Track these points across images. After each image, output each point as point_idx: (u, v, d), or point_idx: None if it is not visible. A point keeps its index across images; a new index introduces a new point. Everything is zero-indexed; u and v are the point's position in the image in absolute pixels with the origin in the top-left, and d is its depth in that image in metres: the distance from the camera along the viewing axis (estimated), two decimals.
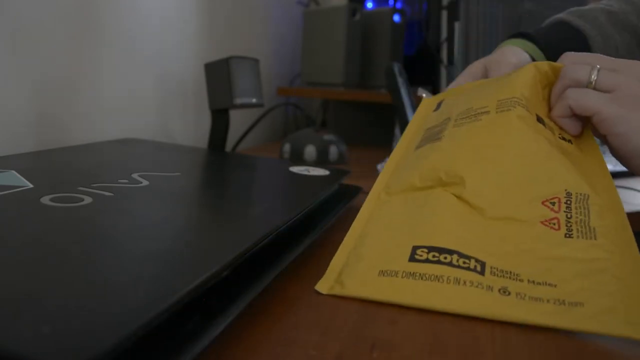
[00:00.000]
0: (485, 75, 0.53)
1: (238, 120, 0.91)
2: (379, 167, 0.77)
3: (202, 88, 0.88)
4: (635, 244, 0.31)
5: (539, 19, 0.64)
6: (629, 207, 0.34)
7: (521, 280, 0.30)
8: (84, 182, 0.39)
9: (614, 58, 0.39)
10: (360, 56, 1.12)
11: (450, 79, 1.00)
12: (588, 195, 0.34)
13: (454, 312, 0.30)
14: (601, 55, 0.40)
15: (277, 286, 0.33)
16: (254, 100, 0.70)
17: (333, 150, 0.82)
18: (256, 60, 0.72)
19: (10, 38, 0.56)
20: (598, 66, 0.39)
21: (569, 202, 0.34)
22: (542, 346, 0.28)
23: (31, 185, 0.37)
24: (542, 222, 0.34)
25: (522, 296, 0.29)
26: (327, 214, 0.45)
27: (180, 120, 0.89)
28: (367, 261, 0.34)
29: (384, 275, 0.32)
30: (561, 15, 0.60)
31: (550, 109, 0.42)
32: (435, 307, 0.30)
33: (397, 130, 0.83)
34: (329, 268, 0.35)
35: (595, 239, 0.32)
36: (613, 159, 0.39)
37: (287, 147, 0.83)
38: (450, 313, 0.30)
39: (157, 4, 0.79)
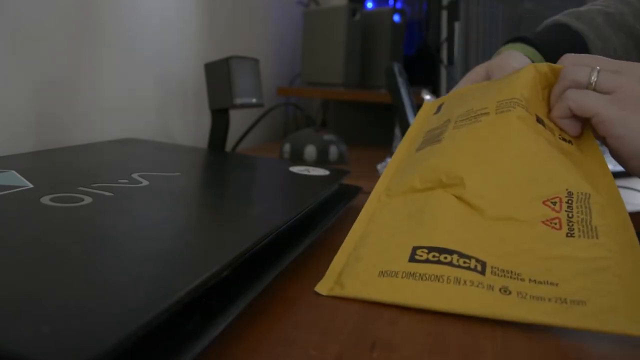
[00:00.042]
0: (487, 80, 0.53)
1: (238, 120, 0.91)
2: (379, 167, 0.77)
3: (202, 88, 0.88)
4: (637, 243, 0.31)
5: (539, 19, 0.64)
6: (629, 207, 0.34)
7: (522, 280, 0.30)
8: (84, 182, 0.39)
9: (613, 60, 0.39)
10: (360, 56, 1.12)
11: (451, 79, 1.00)
12: (589, 195, 0.34)
13: (455, 312, 0.30)
14: (601, 56, 0.40)
15: (277, 286, 0.33)
16: (254, 100, 0.70)
17: (333, 150, 0.82)
18: (256, 60, 0.72)
19: (10, 38, 0.56)
20: (598, 67, 0.39)
21: (570, 201, 0.34)
22: (542, 346, 0.28)
23: (31, 185, 0.37)
24: (543, 222, 0.33)
25: (523, 295, 0.29)
26: (327, 214, 0.45)
27: (180, 120, 0.89)
28: (367, 262, 0.34)
29: (383, 275, 0.32)
30: (559, 17, 0.60)
31: (550, 110, 0.42)
32: (436, 307, 0.30)
33: (397, 130, 0.83)
34: (329, 269, 0.35)
35: (597, 238, 0.32)
36: (613, 159, 0.39)
37: (287, 147, 0.83)
38: (451, 313, 0.30)
39: (157, 4, 0.79)
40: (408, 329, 0.28)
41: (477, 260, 0.32)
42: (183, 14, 0.86)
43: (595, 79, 0.38)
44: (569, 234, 0.32)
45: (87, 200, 0.35)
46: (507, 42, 0.59)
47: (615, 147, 0.37)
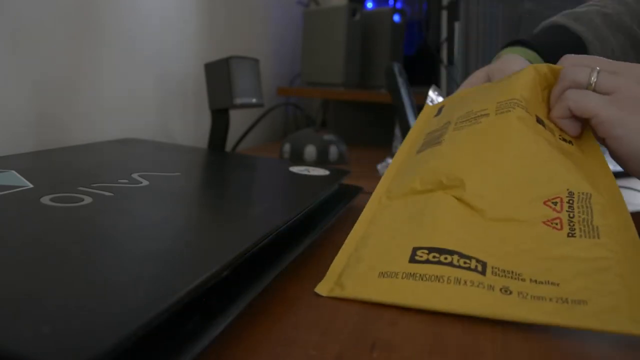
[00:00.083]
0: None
1: (238, 120, 0.91)
2: (379, 167, 0.77)
3: (202, 88, 0.88)
4: (639, 243, 0.31)
5: (539, 19, 0.64)
6: (629, 207, 0.34)
7: (523, 280, 0.30)
8: (84, 182, 0.39)
9: (613, 60, 0.39)
10: (360, 56, 1.12)
11: (451, 79, 1.00)
12: (590, 195, 0.34)
13: (455, 313, 0.30)
14: (601, 57, 0.40)
15: (277, 286, 0.33)
16: (254, 100, 0.70)
17: (333, 150, 0.82)
18: (256, 60, 0.72)
19: (10, 38, 0.56)
20: (598, 68, 0.39)
21: (571, 201, 0.34)
22: (542, 346, 0.28)
23: (31, 185, 0.37)
24: (544, 222, 0.33)
25: (524, 295, 0.29)
26: (327, 214, 0.45)
27: (180, 120, 0.89)
28: (367, 263, 0.34)
29: (384, 276, 0.32)
30: (556, 19, 0.60)
31: (549, 111, 0.42)
32: (436, 307, 0.30)
33: (397, 130, 0.83)
34: (329, 270, 0.35)
35: (598, 237, 0.32)
36: (613, 159, 0.39)
37: (287, 147, 0.83)
38: (451, 314, 0.30)
39: (157, 4, 0.79)
40: (408, 330, 0.28)
41: (478, 261, 0.32)
42: (183, 14, 0.86)
43: (595, 80, 0.38)
44: (570, 234, 0.32)
45: (87, 200, 0.35)
46: (506, 46, 0.59)
47: (615, 148, 0.37)
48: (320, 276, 0.34)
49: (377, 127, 1.14)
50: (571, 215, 0.33)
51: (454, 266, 0.31)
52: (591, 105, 0.38)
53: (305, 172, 0.54)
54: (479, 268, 0.31)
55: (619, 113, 0.37)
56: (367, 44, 1.14)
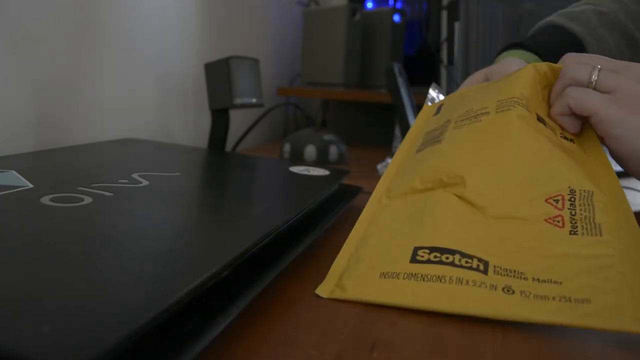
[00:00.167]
0: None
1: (238, 120, 0.91)
2: (379, 167, 0.77)
3: (202, 88, 0.88)
4: None
5: (538, 19, 0.64)
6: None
7: (525, 279, 0.30)
8: (84, 182, 0.39)
9: (613, 59, 0.39)
10: (360, 56, 1.12)
11: (451, 79, 1.00)
12: (592, 192, 0.34)
13: (457, 313, 0.29)
14: (602, 56, 0.40)
15: (277, 286, 0.33)
16: (254, 100, 0.70)
17: (333, 150, 0.82)
18: (256, 60, 0.72)
19: (10, 38, 0.56)
20: (599, 66, 0.39)
21: (572, 199, 0.34)
22: (542, 346, 0.28)
23: (31, 185, 0.37)
24: (545, 220, 0.33)
25: (527, 294, 0.29)
26: (327, 214, 0.45)
27: (180, 120, 0.89)
28: (368, 263, 0.34)
29: (385, 277, 0.32)
30: (553, 19, 0.60)
31: (550, 109, 0.42)
32: (438, 308, 0.30)
33: (397, 130, 0.83)
34: (330, 271, 0.35)
35: (600, 235, 0.31)
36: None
37: (287, 147, 0.83)
38: (452, 314, 0.30)
39: (157, 4, 0.79)
40: (408, 330, 0.28)
41: (480, 260, 0.31)
42: (183, 14, 0.86)
43: (596, 78, 0.38)
44: (572, 232, 0.32)
45: (87, 200, 0.35)
46: (504, 49, 0.59)
47: (614, 147, 0.37)
48: (320, 276, 0.34)
49: (377, 127, 1.14)
50: (573, 213, 0.33)
51: (456, 266, 0.31)
52: (591, 103, 0.38)
53: (305, 172, 0.54)
54: (481, 267, 0.31)
55: (619, 112, 0.37)
56: (367, 44, 1.14)
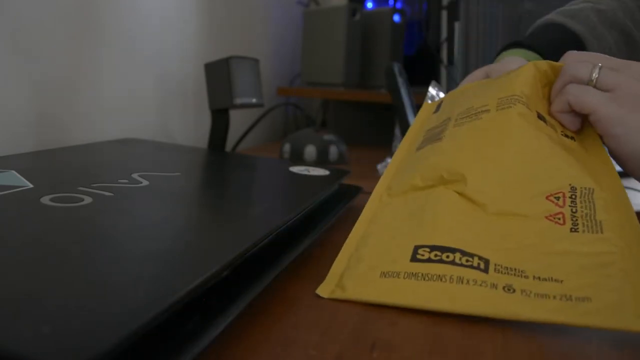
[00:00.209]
0: None
1: (238, 120, 0.91)
2: (379, 167, 0.77)
3: (202, 88, 0.88)
4: None
5: (538, 19, 0.64)
6: None
7: (526, 277, 0.30)
8: (84, 182, 0.39)
9: (613, 58, 0.39)
10: (360, 56, 1.12)
11: (451, 79, 1.00)
12: (593, 190, 0.34)
13: (458, 313, 0.29)
14: (602, 54, 0.40)
15: (277, 286, 0.33)
16: (254, 100, 0.70)
17: (333, 150, 0.82)
18: (256, 60, 0.72)
19: (10, 38, 0.56)
20: (600, 64, 0.39)
21: (573, 196, 0.34)
22: (542, 346, 0.28)
23: (31, 185, 0.37)
24: (546, 217, 0.33)
25: (528, 293, 0.29)
26: (327, 214, 0.45)
27: (180, 120, 0.89)
28: (368, 263, 0.33)
29: (385, 276, 0.32)
30: (553, 17, 0.60)
31: (550, 106, 0.42)
32: (439, 307, 0.30)
33: (397, 130, 0.83)
34: (330, 271, 0.35)
35: (601, 232, 0.31)
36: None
37: (287, 147, 0.83)
38: (452, 313, 0.30)
39: (157, 4, 0.79)
40: (408, 330, 0.28)
41: (480, 258, 0.31)
42: (183, 14, 0.86)
43: (597, 76, 0.38)
44: (573, 229, 0.32)
45: (87, 200, 0.35)
46: (504, 48, 0.59)
47: (613, 146, 0.37)
48: (320, 276, 0.34)
49: (377, 127, 1.14)
50: (574, 210, 0.33)
51: (456, 264, 0.31)
52: (590, 101, 0.38)
53: (305, 172, 0.54)
54: (482, 266, 0.31)
55: (619, 111, 0.37)
56: (367, 44, 1.14)
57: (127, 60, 0.74)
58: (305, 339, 0.27)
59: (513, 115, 0.38)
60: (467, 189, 0.36)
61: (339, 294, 0.32)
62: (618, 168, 0.39)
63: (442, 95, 0.54)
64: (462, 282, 0.30)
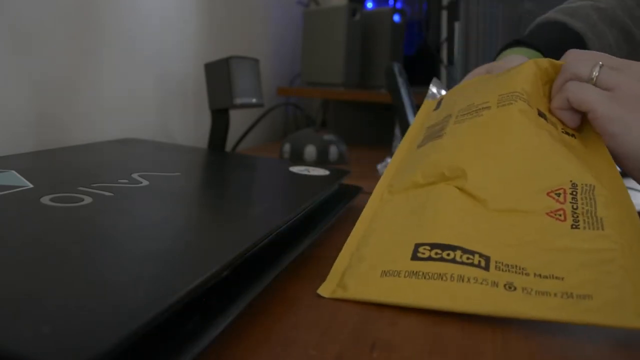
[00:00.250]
0: None
1: (238, 120, 0.91)
2: (379, 167, 0.77)
3: (202, 88, 0.88)
4: None
5: (538, 18, 0.64)
6: None
7: (527, 274, 0.30)
8: (84, 182, 0.39)
9: (615, 57, 0.39)
10: (360, 56, 1.12)
11: (450, 79, 1.00)
12: (594, 186, 0.34)
13: (459, 311, 0.29)
14: (604, 54, 0.40)
15: (277, 286, 0.33)
16: (254, 100, 0.70)
17: (333, 150, 0.82)
18: (256, 60, 0.72)
19: (10, 38, 0.56)
20: (600, 63, 0.39)
21: (574, 192, 0.34)
22: (543, 346, 0.28)
23: (31, 185, 0.37)
24: (547, 213, 0.33)
25: (529, 291, 0.29)
26: (327, 214, 0.45)
27: (180, 120, 0.89)
28: (369, 262, 0.33)
29: (386, 275, 0.32)
30: (553, 15, 0.60)
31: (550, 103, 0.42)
32: (440, 306, 0.30)
33: (397, 130, 0.83)
34: (332, 271, 0.35)
35: (602, 229, 0.31)
36: None
37: (287, 147, 0.83)
38: (452, 313, 0.30)
39: (157, 4, 0.79)
40: (408, 330, 0.28)
41: (481, 256, 0.31)
42: (183, 14, 0.86)
43: (597, 74, 0.38)
44: (574, 226, 0.32)
45: (87, 200, 0.35)
46: (505, 46, 0.59)
47: (611, 145, 0.37)
48: (320, 276, 0.34)
49: (377, 127, 1.14)
50: (575, 207, 0.33)
51: (457, 262, 0.31)
52: (589, 99, 0.38)
53: (305, 172, 0.54)
54: (482, 264, 0.31)
55: (617, 110, 0.37)
56: (367, 44, 1.14)
57: (127, 60, 0.74)
58: (305, 339, 0.27)
59: (514, 112, 0.38)
60: (468, 185, 0.36)
61: (340, 294, 0.32)
62: (618, 168, 0.39)
63: (443, 92, 0.54)
64: (462, 281, 0.30)
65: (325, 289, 0.33)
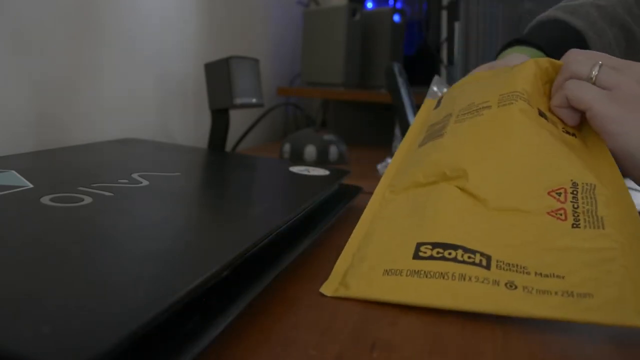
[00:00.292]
0: None
1: (238, 120, 0.91)
2: (379, 167, 0.77)
3: (202, 88, 0.88)
4: None
5: (538, 16, 0.64)
6: None
7: (528, 273, 0.30)
8: (84, 182, 0.39)
9: (616, 57, 0.40)
10: (360, 56, 1.12)
11: (451, 79, 1.00)
12: (594, 186, 0.34)
13: (460, 310, 0.29)
14: (604, 54, 0.40)
15: (277, 286, 0.33)
16: (254, 100, 0.70)
17: (333, 150, 0.82)
18: (256, 60, 0.72)
19: (10, 38, 0.56)
20: (600, 62, 0.39)
21: (575, 192, 0.34)
22: (543, 346, 0.28)
23: (31, 185, 0.37)
24: (548, 213, 0.33)
25: (530, 290, 0.29)
26: (327, 214, 0.45)
27: (180, 120, 0.89)
28: (371, 261, 0.34)
29: (388, 274, 0.32)
30: (553, 13, 0.60)
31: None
32: (442, 305, 0.30)
33: (397, 130, 0.83)
34: (334, 269, 0.35)
35: (603, 228, 0.31)
36: None
37: (287, 147, 0.83)
38: (452, 312, 0.30)
39: (157, 4, 0.79)
40: (408, 330, 0.28)
41: (482, 255, 0.31)
42: (183, 14, 0.86)
43: (596, 74, 0.38)
44: (574, 225, 0.32)
45: (87, 200, 0.35)
46: (506, 45, 0.59)
47: (609, 144, 0.37)
48: (320, 276, 0.34)
49: (377, 127, 1.14)
50: (575, 206, 0.33)
51: (458, 261, 0.31)
52: (587, 97, 0.38)
53: (305, 172, 0.54)
54: (484, 262, 0.31)
55: (615, 109, 0.37)
56: (367, 44, 1.14)
57: (127, 60, 0.74)
58: (305, 339, 0.27)
59: (514, 112, 0.38)
60: (469, 185, 0.36)
61: (342, 292, 0.32)
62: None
63: (445, 90, 0.54)
64: (464, 279, 0.30)
65: (328, 288, 0.33)
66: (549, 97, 0.42)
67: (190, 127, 0.91)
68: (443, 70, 1.05)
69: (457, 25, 0.99)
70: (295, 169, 0.55)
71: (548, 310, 0.28)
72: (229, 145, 0.77)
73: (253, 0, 1.11)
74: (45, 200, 0.34)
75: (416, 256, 0.32)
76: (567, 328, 0.29)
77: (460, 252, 0.31)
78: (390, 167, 0.45)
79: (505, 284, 0.29)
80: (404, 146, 0.47)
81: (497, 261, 0.31)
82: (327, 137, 0.83)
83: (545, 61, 0.42)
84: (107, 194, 0.37)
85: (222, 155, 0.64)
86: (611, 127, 0.37)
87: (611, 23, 0.58)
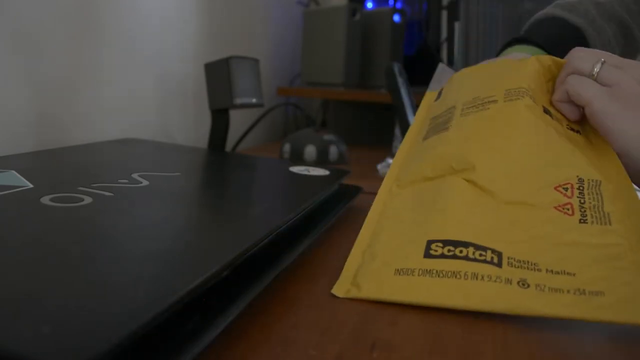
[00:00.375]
0: None
1: (238, 120, 0.91)
2: (379, 167, 0.77)
3: (202, 88, 0.88)
4: None
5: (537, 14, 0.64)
6: None
7: (539, 270, 0.30)
8: (84, 182, 0.39)
9: (619, 56, 0.40)
10: (360, 56, 1.12)
11: None
12: (600, 182, 0.34)
13: (473, 310, 0.29)
14: (607, 52, 0.41)
15: (277, 286, 0.33)
16: (254, 100, 0.70)
17: (333, 150, 0.82)
18: (256, 60, 0.72)
19: (10, 38, 0.56)
20: (603, 59, 0.39)
21: (581, 187, 0.34)
22: (543, 346, 0.28)
23: (31, 185, 0.37)
24: (555, 207, 0.33)
25: (542, 288, 0.29)
26: (327, 214, 0.45)
27: (180, 120, 0.89)
28: (382, 259, 0.33)
29: (399, 274, 0.32)
30: (552, 10, 0.60)
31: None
32: (454, 305, 0.29)
33: (397, 130, 0.84)
34: (344, 269, 0.34)
35: (610, 224, 0.31)
36: None
37: (287, 147, 0.83)
38: (455, 310, 0.30)
39: (157, 4, 0.79)
40: (408, 330, 0.28)
41: (493, 252, 0.31)
42: (183, 14, 0.86)
43: (598, 70, 0.39)
44: (581, 220, 0.32)
45: (87, 200, 0.35)
46: (506, 44, 0.59)
47: (608, 142, 0.38)
48: (319, 276, 0.34)
49: (377, 127, 1.14)
50: (582, 202, 0.33)
51: (470, 260, 0.31)
52: (587, 93, 0.38)
53: (305, 172, 0.54)
54: (495, 260, 0.31)
55: (615, 106, 0.37)
56: (367, 44, 1.14)
57: (127, 60, 0.74)
58: (305, 339, 0.27)
59: (520, 107, 0.38)
60: (476, 176, 0.36)
61: (354, 293, 0.32)
62: None
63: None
64: (476, 278, 0.30)
65: (339, 289, 0.33)
66: (552, 95, 0.43)
67: (190, 127, 0.91)
68: None
69: (457, 25, 0.99)
70: (295, 169, 0.55)
71: (561, 309, 0.28)
72: (229, 145, 0.77)
73: (253, 0, 1.11)
74: (45, 200, 0.34)
75: (427, 254, 0.32)
76: (567, 327, 0.29)
77: (471, 249, 0.31)
78: (395, 161, 0.44)
79: (518, 282, 0.29)
80: (407, 140, 0.47)
81: (508, 258, 0.31)
82: (327, 137, 0.83)
83: (547, 59, 0.43)
84: (107, 194, 0.37)
85: (222, 155, 0.64)
86: (608, 124, 0.37)
87: (610, 20, 0.58)
